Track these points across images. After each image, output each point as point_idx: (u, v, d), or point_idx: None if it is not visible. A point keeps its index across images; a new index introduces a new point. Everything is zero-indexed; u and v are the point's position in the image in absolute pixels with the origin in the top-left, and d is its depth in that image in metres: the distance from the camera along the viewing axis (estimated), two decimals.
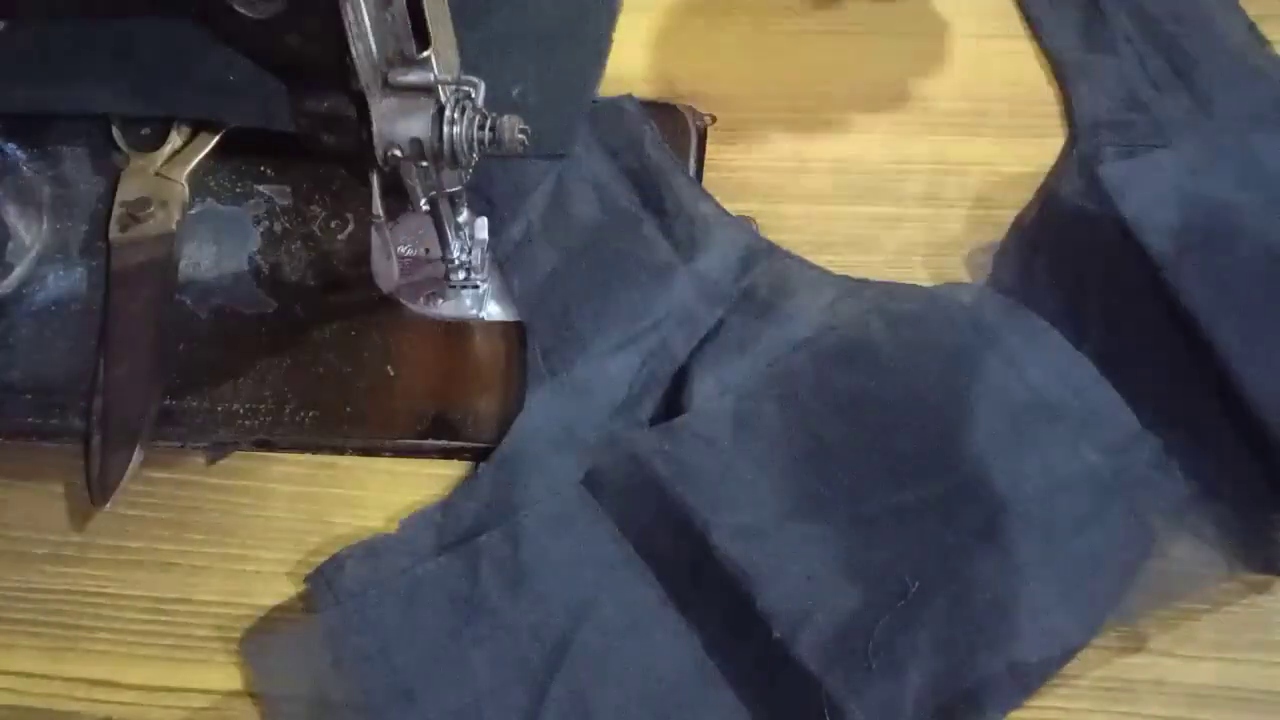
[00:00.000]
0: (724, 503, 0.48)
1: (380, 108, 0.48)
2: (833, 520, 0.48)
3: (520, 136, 0.49)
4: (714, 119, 0.61)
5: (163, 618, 0.51)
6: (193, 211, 0.60)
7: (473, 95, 0.49)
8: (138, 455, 0.53)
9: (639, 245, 0.56)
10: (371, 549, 0.51)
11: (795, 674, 0.45)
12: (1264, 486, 0.49)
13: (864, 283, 0.55)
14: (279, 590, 0.51)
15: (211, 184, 0.61)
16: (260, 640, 0.50)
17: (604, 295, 0.55)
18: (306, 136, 0.49)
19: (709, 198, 0.58)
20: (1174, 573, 0.48)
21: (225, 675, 0.50)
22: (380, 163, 0.49)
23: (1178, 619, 0.48)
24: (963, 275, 0.57)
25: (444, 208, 0.53)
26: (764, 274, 0.56)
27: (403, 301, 0.56)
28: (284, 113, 0.47)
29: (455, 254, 0.55)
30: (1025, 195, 0.58)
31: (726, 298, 0.55)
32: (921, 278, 0.56)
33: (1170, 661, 0.47)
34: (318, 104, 0.48)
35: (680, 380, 0.53)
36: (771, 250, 0.57)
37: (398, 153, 0.48)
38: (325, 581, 0.50)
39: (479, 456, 0.53)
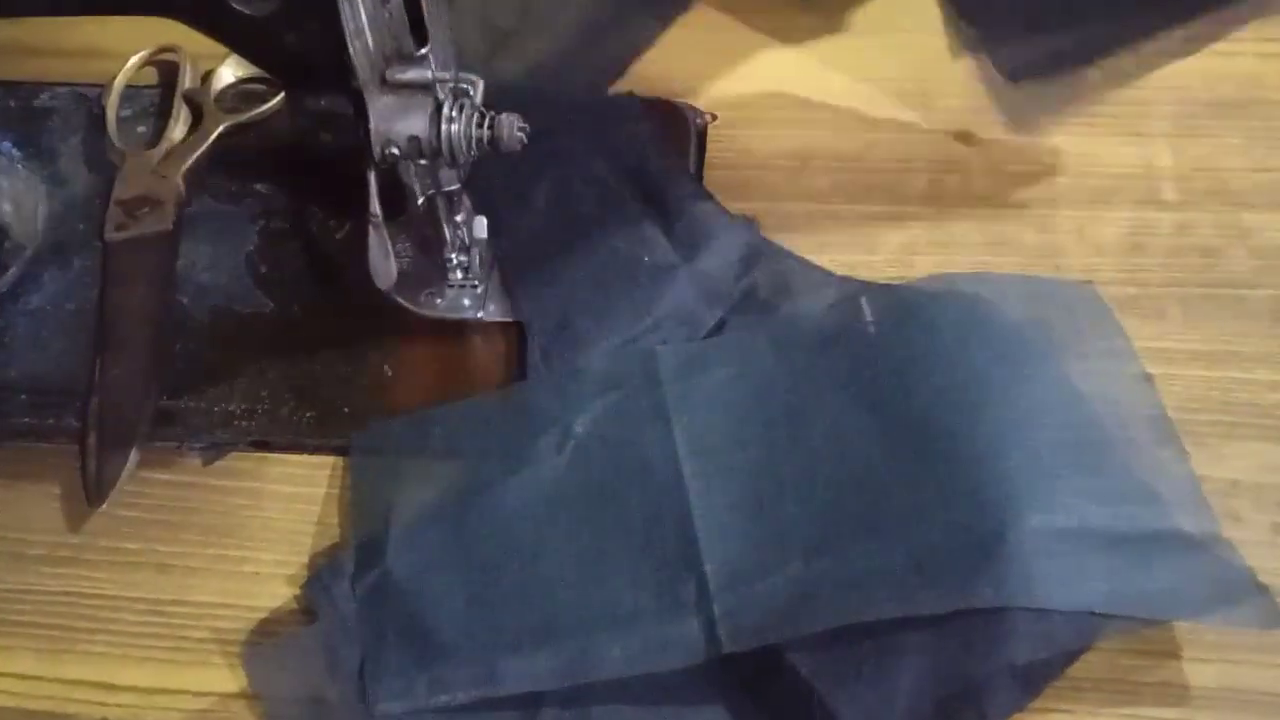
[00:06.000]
0: None
1: (378, 105, 0.47)
2: None
3: (519, 135, 0.49)
4: (714, 118, 0.61)
5: (160, 619, 0.51)
6: (189, 210, 0.60)
7: (471, 93, 0.49)
8: (134, 456, 0.53)
9: (639, 245, 0.56)
10: None
11: (790, 677, 0.45)
12: None
13: (864, 284, 0.55)
14: (276, 592, 0.51)
15: (209, 182, 0.61)
16: (258, 643, 0.50)
17: (604, 295, 0.55)
18: (304, 135, 0.49)
19: (709, 197, 0.58)
20: None
21: (222, 677, 0.49)
22: (378, 161, 0.48)
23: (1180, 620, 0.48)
24: None
25: (442, 206, 0.53)
26: (764, 274, 0.55)
27: (401, 301, 0.56)
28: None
29: (453, 253, 0.55)
30: (1025, 195, 0.58)
31: (727, 298, 0.55)
32: (921, 278, 0.56)
33: (1173, 663, 0.47)
34: (315, 102, 0.48)
35: None
36: (772, 250, 0.56)
37: (395, 151, 0.48)
38: (323, 587, 0.50)
39: None
